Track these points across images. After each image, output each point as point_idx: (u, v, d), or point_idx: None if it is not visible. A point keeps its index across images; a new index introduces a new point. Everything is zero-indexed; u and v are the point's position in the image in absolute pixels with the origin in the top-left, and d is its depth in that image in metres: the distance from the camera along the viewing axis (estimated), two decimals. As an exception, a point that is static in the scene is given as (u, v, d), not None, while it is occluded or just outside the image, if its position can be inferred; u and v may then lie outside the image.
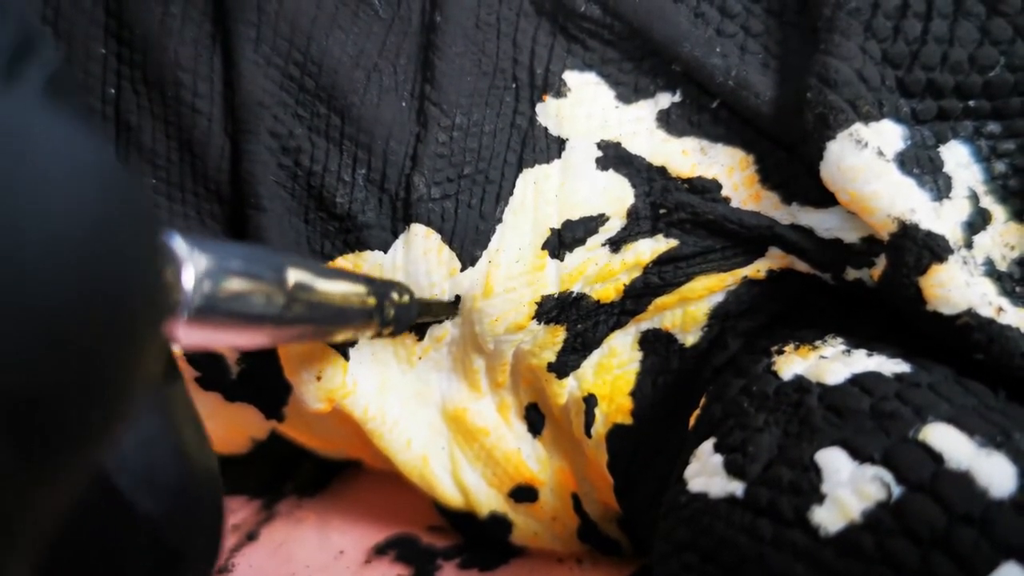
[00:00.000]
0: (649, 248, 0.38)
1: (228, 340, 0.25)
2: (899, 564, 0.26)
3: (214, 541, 0.25)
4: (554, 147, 0.38)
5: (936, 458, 0.27)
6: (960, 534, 0.25)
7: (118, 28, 0.37)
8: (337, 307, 0.30)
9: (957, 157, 0.34)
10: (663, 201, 0.38)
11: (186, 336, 0.23)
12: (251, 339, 0.26)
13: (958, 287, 0.33)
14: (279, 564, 0.44)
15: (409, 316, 0.35)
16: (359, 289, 0.32)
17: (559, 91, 0.38)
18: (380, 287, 0.33)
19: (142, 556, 0.22)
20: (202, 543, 0.25)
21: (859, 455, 0.28)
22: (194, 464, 0.24)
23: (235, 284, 0.24)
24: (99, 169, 0.16)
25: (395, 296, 0.34)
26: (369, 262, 0.37)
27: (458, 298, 0.38)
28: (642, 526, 0.42)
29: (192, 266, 0.23)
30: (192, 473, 0.23)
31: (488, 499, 0.43)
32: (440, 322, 0.39)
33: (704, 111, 0.37)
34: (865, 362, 0.33)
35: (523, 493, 0.43)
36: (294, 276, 0.27)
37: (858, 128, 0.33)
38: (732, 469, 0.31)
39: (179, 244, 0.22)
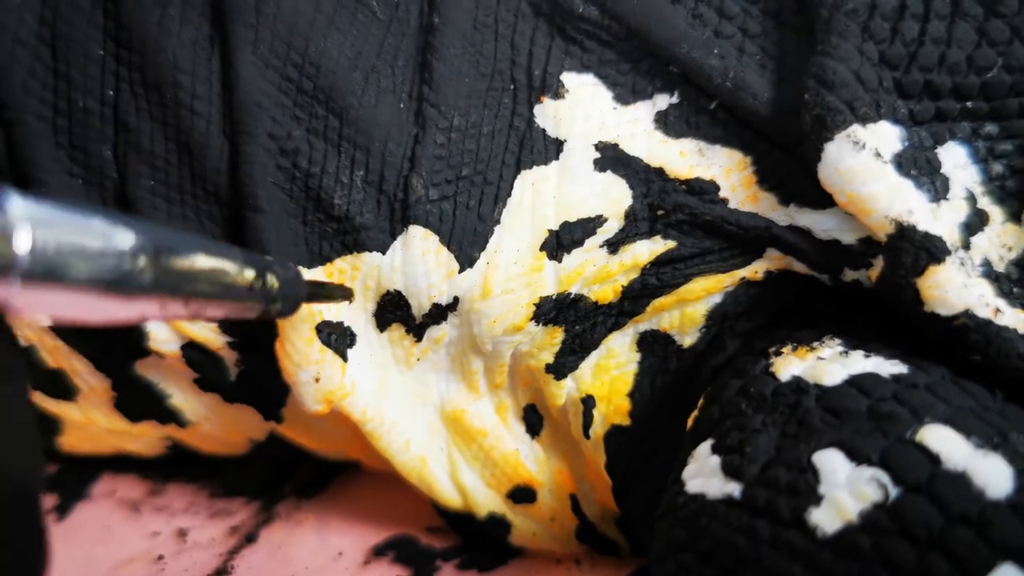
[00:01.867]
0: (647, 249, 0.38)
1: (79, 310, 0.24)
2: (896, 565, 0.26)
3: (27, 559, 0.24)
4: (552, 148, 0.38)
5: (933, 459, 0.28)
6: (957, 535, 0.26)
7: (116, 30, 0.37)
8: (208, 278, 0.28)
9: (955, 158, 0.35)
10: (661, 202, 0.38)
11: (27, 302, 0.22)
12: (106, 311, 0.24)
13: (955, 288, 0.33)
14: (278, 565, 0.45)
15: (298, 293, 0.34)
16: (232, 261, 0.30)
17: (557, 92, 0.38)
18: (259, 261, 0.31)
19: None
20: (8, 559, 0.23)
21: (856, 456, 0.29)
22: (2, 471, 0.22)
23: (83, 249, 0.23)
24: None
25: (279, 269, 0.32)
26: (367, 263, 0.37)
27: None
28: (640, 527, 0.42)
29: (29, 228, 0.21)
30: None
31: (487, 500, 0.43)
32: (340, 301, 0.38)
33: (702, 112, 0.37)
34: (863, 363, 0.33)
35: (521, 494, 0.43)
36: (153, 242, 0.25)
37: (855, 129, 0.33)
38: (729, 470, 0.31)
39: (15, 204, 0.21)
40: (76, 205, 0.23)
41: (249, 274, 0.31)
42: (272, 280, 0.32)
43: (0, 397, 0.23)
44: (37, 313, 0.23)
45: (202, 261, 0.28)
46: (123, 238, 0.24)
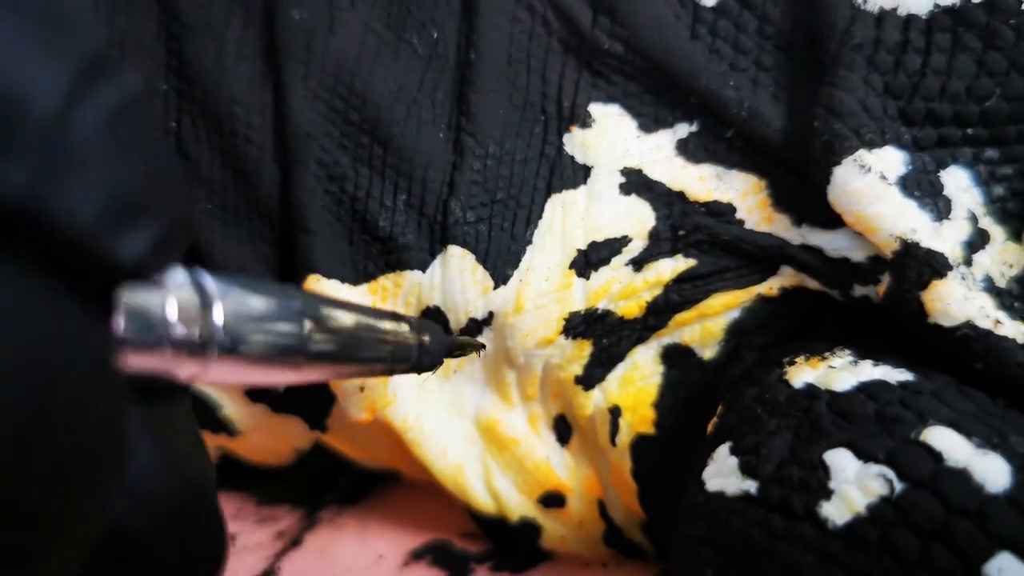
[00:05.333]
0: (669, 267, 0.40)
1: (261, 378, 0.25)
2: (901, 554, 0.27)
3: (212, 548, 0.25)
4: (580, 174, 0.40)
5: (936, 457, 0.29)
6: (958, 526, 0.27)
7: (179, 66, 0.40)
8: (377, 338, 0.30)
9: (957, 181, 0.36)
10: (682, 223, 0.40)
11: (216, 374, 0.23)
12: (285, 376, 0.26)
13: (957, 301, 0.34)
14: (322, 568, 0.46)
15: (443, 349, 0.35)
16: (395, 326, 0.31)
17: (585, 122, 0.40)
18: (412, 321, 0.33)
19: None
20: (198, 551, 0.24)
21: (864, 455, 0.30)
22: (184, 475, 0.23)
23: (265, 323, 0.24)
24: (22, 344, 0.16)
25: (428, 327, 0.34)
26: (409, 281, 0.40)
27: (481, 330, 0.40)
28: (664, 530, 0.43)
29: (219, 304, 0.22)
30: (183, 483, 0.22)
31: (519, 505, 0.44)
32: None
33: (720, 140, 0.39)
34: (871, 371, 0.35)
35: (552, 499, 0.44)
36: (326, 313, 0.26)
37: (862, 154, 0.35)
38: (746, 469, 0.33)
39: (208, 283, 0.22)
40: (266, 283, 0.25)
41: (411, 335, 0.32)
42: (425, 337, 0.33)
43: (177, 413, 0.24)
44: (222, 381, 0.24)
45: (368, 323, 0.29)
46: (309, 312, 0.26)
